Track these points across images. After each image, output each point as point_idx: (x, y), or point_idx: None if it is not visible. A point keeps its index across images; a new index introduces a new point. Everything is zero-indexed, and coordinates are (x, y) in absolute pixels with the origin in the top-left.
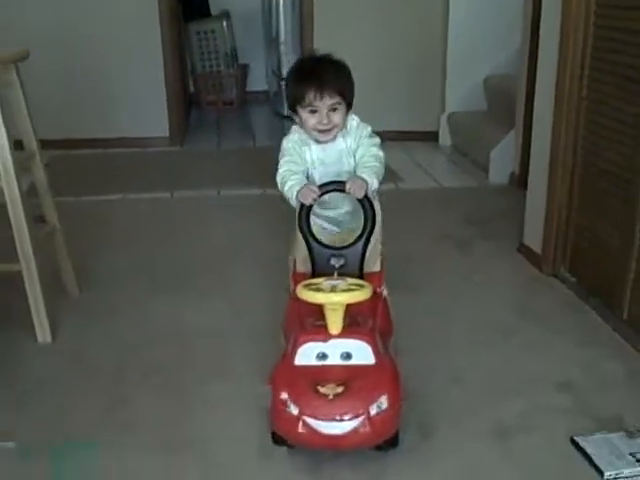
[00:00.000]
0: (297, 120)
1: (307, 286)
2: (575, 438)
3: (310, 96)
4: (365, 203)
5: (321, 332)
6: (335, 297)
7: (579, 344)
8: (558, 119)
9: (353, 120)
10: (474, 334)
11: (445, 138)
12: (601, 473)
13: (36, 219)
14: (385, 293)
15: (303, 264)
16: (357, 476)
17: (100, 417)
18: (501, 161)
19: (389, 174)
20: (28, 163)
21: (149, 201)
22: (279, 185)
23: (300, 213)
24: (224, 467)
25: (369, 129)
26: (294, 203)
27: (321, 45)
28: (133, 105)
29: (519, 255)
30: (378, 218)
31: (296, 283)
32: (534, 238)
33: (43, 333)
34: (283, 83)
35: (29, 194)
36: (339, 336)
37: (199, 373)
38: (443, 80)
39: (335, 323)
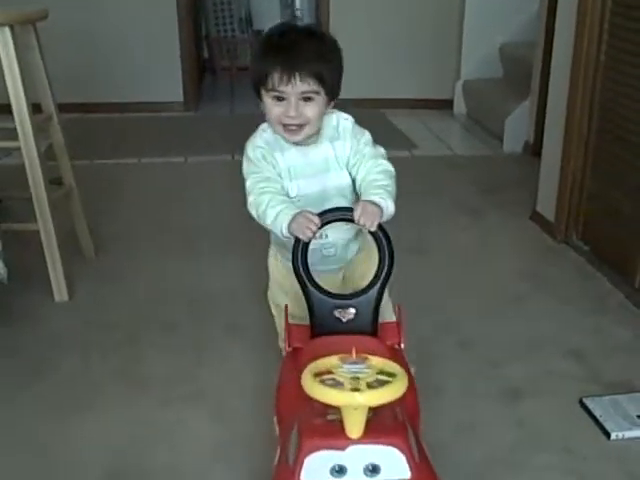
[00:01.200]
0: (262, 107)
1: (317, 375)
2: (583, 400)
3: (275, 77)
4: (379, 236)
5: (337, 435)
6: (360, 397)
7: (590, 311)
8: (574, 85)
9: (346, 120)
10: (485, 299)
11: (460, 106)
12: (607, 434)
13: (53, 181)
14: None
15: (296, 311)
16: None
17: (116, 373)
18: (516, 130)
19: (403, 141)
20: (46, 125)
21: (163, 165)
22: (254, 214)
23: (295, 250)
24: (237, 420)
25: (368, 135)
26: (283, 235)
27: (337, 10)
28: (148, 70)
29: (532, 223)
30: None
31: (291, 341)
32: (547, 206)
33: (60, 292)
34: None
35: (46, 157)
36: (361, 441)
37: (212, 330)
38: (459, 47)
39: (356, 425)
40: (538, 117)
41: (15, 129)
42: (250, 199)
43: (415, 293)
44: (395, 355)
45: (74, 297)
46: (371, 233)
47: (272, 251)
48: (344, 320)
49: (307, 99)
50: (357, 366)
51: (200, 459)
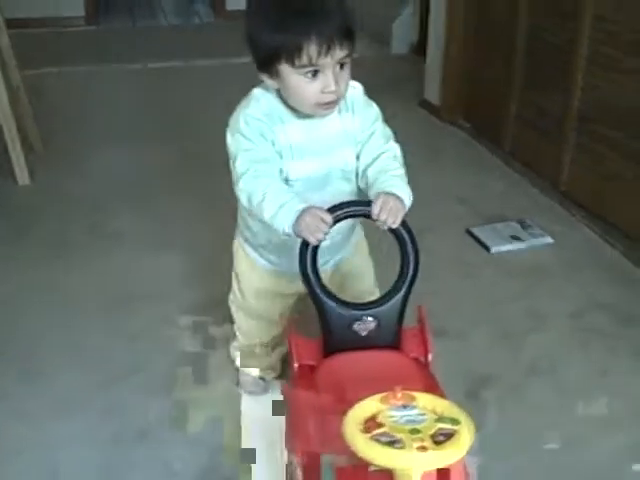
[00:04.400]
0: (269, 83)
1: (367, 430)
2: (470, 229)
3: (312, 50)
4: (402, 235)
5: None
6: (431, 459)
7: (472, 171)
8: None
9: (354, 89)
10: None
11: None
12: (488, 249)
13: None
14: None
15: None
16: None
17: (90, 232)
18: (402, 32)
19: None
20: None
21: (83, 73)
22: (245, 202)
23: (303, 255)
24: (207, 261)
25: (376, 108)
26: (283, 234)
27: None
28: None
29: (421, 109)
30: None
31: (300, 357)
32: (433, 93)
33: (22, 176)
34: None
35: None
36: None
37: (168, 197)
38: None
39: None
40: (422, 20)
41: None
42: (241, 184)
43: None
44: (426, 375)
45: (35, 181)
46: (391, 231)
47: (238, 239)
48: (364, 334)
49: (342, 65)
50: (408, 412)
51: (174, 285)
